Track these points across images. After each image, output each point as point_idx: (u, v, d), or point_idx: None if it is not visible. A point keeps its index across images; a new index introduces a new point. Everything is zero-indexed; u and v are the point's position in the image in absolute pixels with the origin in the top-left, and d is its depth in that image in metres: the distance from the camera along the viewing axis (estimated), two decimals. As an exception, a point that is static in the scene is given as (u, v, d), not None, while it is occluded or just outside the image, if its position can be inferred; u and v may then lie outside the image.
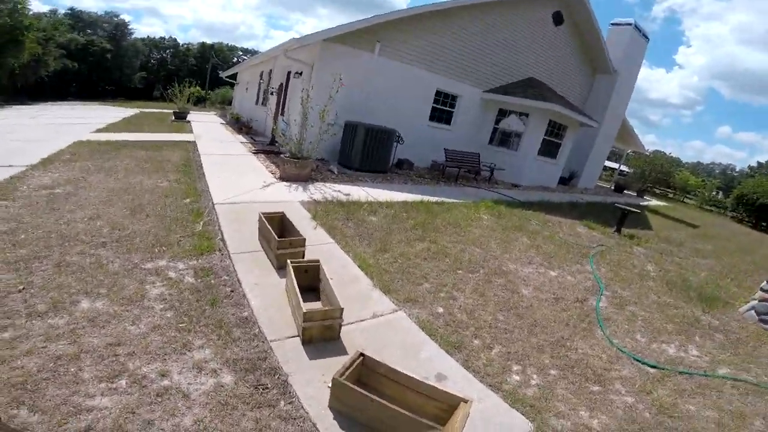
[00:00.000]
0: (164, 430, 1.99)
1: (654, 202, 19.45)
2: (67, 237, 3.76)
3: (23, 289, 2.88)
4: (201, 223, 4.54)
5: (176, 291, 3.19)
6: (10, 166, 5.84)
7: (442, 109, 11.66)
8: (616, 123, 16.32)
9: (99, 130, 11.06)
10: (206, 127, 14.01)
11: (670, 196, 27.53)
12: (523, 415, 2.63)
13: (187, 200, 5.27)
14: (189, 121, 15.18)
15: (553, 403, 2.84)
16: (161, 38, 60.98)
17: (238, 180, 6.50)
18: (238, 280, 3.46)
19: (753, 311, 5.04)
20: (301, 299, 2.80)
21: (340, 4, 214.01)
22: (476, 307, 3.92)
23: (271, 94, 12.48)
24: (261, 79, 15.31)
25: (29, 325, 2.53)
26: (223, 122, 17.01)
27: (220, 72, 25.98)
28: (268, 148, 10.06)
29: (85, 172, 6.00)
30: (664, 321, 4.53)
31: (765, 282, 5.14)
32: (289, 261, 3.29)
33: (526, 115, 11.89)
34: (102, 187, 5.38)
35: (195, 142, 10.03)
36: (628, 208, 8.86)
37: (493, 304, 4.06)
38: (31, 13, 26.88)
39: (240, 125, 14.55)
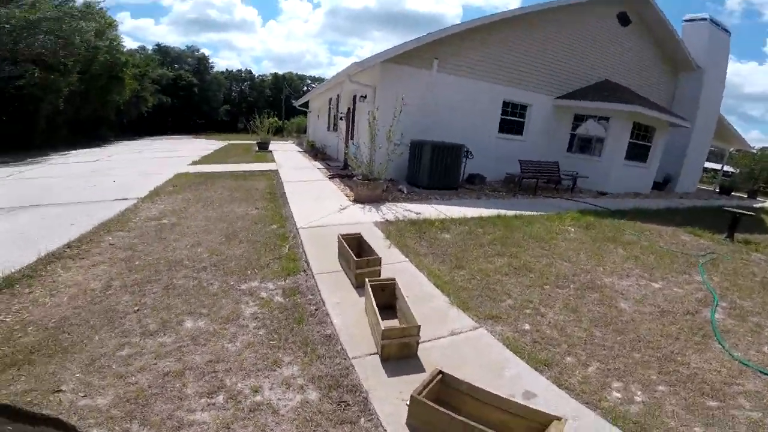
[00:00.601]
0: None
1: (773, 203, 16.45)
2: (174, 262, 4.22)
3: (138, 310, 3.25)
4: (287, 246, 4.82)
5: (267, 310, 3.37)
6: (125, 199, 6.88)
7: (512, 120, 11.29)
8: (711, 121, 14.82)
9: (194, 162, 12.59)
10: (286, 156, 15.12)
11: None
12: None
13: (274, 226, 5.66)
14: (271, 151, 16.57)
15: (661, 419, 2.50)
16: (238, 71, 63.46)
17: (318, 204, 6.84)
18: (322, 300, 3.56)
19: None
20: (379, 317, 2.78)
21: (392, 26, 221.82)
22: (568, 323, 3.57)
23: (341, 119, 13.09)
24: (330, 105, 16.15)
25: (143, 343, 2.83)
26: (300, 150, 18.26)
27: (293, 101, 27.67)
28: (342, 172, 10.48)
29: (186, 203, 6.79)
30: None
31: None
32: (366, 280, 3.31)
33: (606, 119, 11.15)
34: (201, 216, 6.02)
35: (277, 170, 10.86)
36: (740, 210, 7.67)
37: (588, 319, 3.66)
38: (125, 49, 28.26)
39: (315, 152, 15.48)
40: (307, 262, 4.37)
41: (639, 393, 2.74)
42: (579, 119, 11.79)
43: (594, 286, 4.40)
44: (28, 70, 15.59)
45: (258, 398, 2.36)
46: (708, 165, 21.96)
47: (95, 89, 22.84)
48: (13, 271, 3.77)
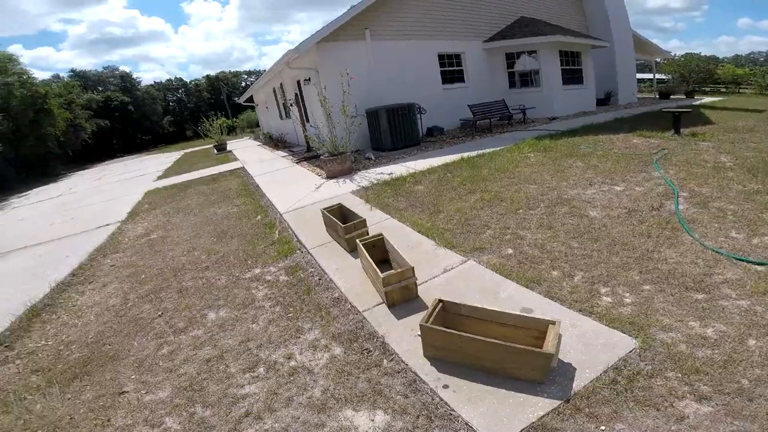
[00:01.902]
0: (302, 403, 2.29)
1: (707, 99, 17.42)
2: (177, 269, 4.36)
3: (161, 314, 3.44)
4: (276, 232, 4.97)
5: (276, 289, 3.60)
6: (106, 225, 6.80)
7: (452, 70, 11.64)
8: (626, 35, 15.61)
9: (159, 177, 12.26)
10: (247, 152, 14.80)
11: (723, 90, 25.09)
12: (624, 333, 2.48)
13: (258, 217, 5.76)
14: (230, 151, 16.16)
15: (654, 317, 2.62)
16: (168, 80, 61.16)
17: (293, 189, 6.94)
18: (322, 269, 3.79)
19: None
20: (377, 269, 3.02)
21: (315, 4, 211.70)
22: (546, 240, 3.80)
23: (291, 105, 12.88)
24: (275, 94, 15.88)
25: (177, 339, 3.04)
26: (259, 144, 17.82)
27: (235, 99, 26.53)
28: (307, 155, 10.46)
29: (167, 216, 6.75)
30: (758, 211, 3.99)
31: None
32: (358, 241, 3.55)
33: (535, 52, 11.73)
34: (185, 224, 6.04)
35: (243, 167, 10.73)
36: (679, 109, 8.26)
37: (563, 233, 3.90)
38: (39, 80, 26.31)
39: (275, 142, 15.17)
40: (299, 241, 4.56)
41: (627, 295, 2.89)
42: (511, 57, 12.30)
43: (562, 200, 4.70)
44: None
45: (292, 363, 2.61)
46: (642, 76, 23.15)
47: (25, 126, 21.52)
48: (34, 302, 3.94)
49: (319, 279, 3.66)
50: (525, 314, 2.43)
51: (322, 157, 7.71)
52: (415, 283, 3.06)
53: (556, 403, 2.06)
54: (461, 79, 11.84)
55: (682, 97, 18.59)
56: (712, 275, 3.01)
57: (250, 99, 23.19)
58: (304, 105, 11.58)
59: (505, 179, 5.68)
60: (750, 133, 8.05)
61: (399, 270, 2.96)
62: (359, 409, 2.22)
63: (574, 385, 2.14)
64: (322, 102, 7.53)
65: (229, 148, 17.03)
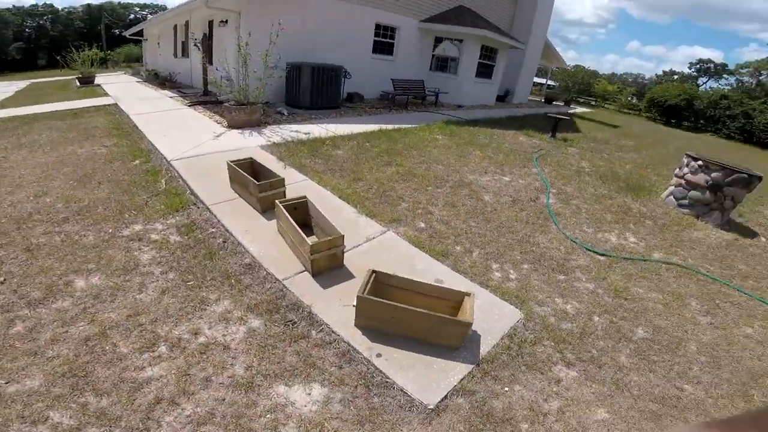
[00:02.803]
0: (224, 383, 1.99)
1: (580, 110, 20.72)
2: (21, 219, 3.32)
3: (4, 280, 2.56)
4: (162, 181, 4.18)
5: (167, 252, 3.02)
6: None
7: (384, 41, 11.41)
8: (540, 42, 17.02)
9: None
10: (123, 88, 12.25)
11: (593, 103, 29.68)
12: (512, 305, 2.89)
13: (136, 162, 4.77)
14: (98, 85, 13.12)
15: (532, 293, 3.10)
16: (33, 6, 52.31)
17: (185, 134, 5.93)
18: (227, 230, 3.32)
19: (672, 197, 5.64)
20: (303, 234, 2.78)
21: None
22: (450, 217, 4.13)
23: (195, 45, 11.21)
24: (176, 32, 13.89)
25: (35, 314, 2.32)
26: (139, 80, 14.89)
27: (117, 31, 22.39)
28: (204, 99, 9.13)
29: (3, 151, 5.13)
30: (603, 211, 4.98)
31: (677, 169, 5.71)
32: (277, 201, 3.20)
33: (460, 41, 12.10)
34: (31, 163, 4.67)
35: (116, 104, 8.79)
36: (559, 116, 9.53)
37: (464, 212, 4.28)
38: None
39: (161, 81, 12.89)
40: (194, 194, 3.92)
41: (512, 271, 3.36)
42: (439, 41, 12.55)
43: (463, 183, 5.09)
44: None
45: (202, 339, 2.24)
46: (537, 80, 26.04)
47: None
48: None
49: (224, 241, 3.21)
50: (446, 287, 2.58)
51: (226, 104, 6.78)
52: (343, 252, 2.93)
53: (470, 367, 2.27)
54: (390, 53, 11.72)
55: (562, 104, 21.56)
56: (569, 260, 3.70)
57: (140, 33, 19.81)
58: (211, 47, 10.21)
59: (418, 156, 5.84)
60: (605, 144, 9.87)
61: (329, 237, 2.77)
62: (292, 383, 2.06)
63: (481, 351, 2.40)
64: (241, 47, 6.65)
65: (98, 81, 13.77)
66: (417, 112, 10.04)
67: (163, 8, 46.96)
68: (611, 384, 2.36)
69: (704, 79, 43.24)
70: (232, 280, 2.76)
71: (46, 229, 3.19)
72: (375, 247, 3.35)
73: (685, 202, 5.43)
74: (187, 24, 12.27)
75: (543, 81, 28.02)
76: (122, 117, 7.36)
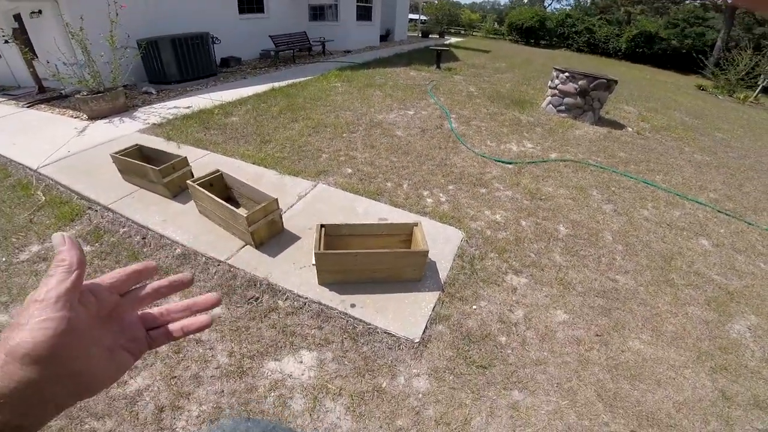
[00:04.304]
0: (215, 375, 1.89)
1: (453, 39, 21.57)
2: None
3: None
4: (39, 193, 3.44)
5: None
6: None
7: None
8: None
9: None
10: None
11: (462, 32, 31.13)
12: (452, 226, 3.05)
13: (-12, 180, 3.83)
14: None
15: (464, 210, 3.29)
16: None
17: (41, 137, 4.84)
18: (141, 226, 2.92)
19: (550, 105, 6.44)
20: (233, 208, 2.57)
21: None
22: (373, 157, 4.17)
23: (5, 42, 8.90)
24: None
25: None
26: (-65, 86, 11.46)
27: None
28: (44, 96, 7.46)
29: None
30: (499, 126, 5.49)
31: (550, 81, 6.46)
32: (189, 182, 2.87)
33: None
34: None
35: None
36: (439, 48, 9.89)
37: (384, 150, 4.36)
38: None
39: (-31, 81, 10.12)
40: (84, 198, 3.32)
41: (441, 195, 3.51)
42: None
43: (374, 123, 5.13)
44: None
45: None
46: (411, 16, 26.13)
47: None
48: None
49: (143, 238, 2.83)
50: (393, 222, 2.63)
51: (77, 96, 5.66)
52: (281, 216, 2.80)
53: (437, 294, 2.41)
54: (261, 10, 10.64)
55: (437, 36, 22.18)
56: (485, 174, 4.03)
57: None
58: (29, 40, 8.24)
59: (322, 107, 5.65)
60: (483, 69, 10.59)
61: (262, 204, 2.58)
62: (280, 357, 2.01)
63: (440, 276, 2.54)
64: (75, 34, 5.44)
65: None
66: (308, 65, 9.53)
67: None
68: (557, 284, 2.61)
69: (549, 1, 47.65)
70: (170, 274, 2.48)
71: None
72: (310, 202, 3.27)
73: (563, 108, 6.28)
74: (-19, 21, 9.70)
75: (416, 17, 28.39)
76: (-66, 133, 5.69)
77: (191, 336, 2.02)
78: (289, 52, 10.00)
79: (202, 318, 0.45)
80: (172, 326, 0.44)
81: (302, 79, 7.49)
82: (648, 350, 2.24)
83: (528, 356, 2.11)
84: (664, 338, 2.34)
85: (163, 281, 0.44)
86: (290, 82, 7.14)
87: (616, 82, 6.05)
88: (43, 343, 0.31)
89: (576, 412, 1.86)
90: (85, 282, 0.37)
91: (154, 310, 0.44)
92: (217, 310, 2.25)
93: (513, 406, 1.86)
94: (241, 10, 9.98)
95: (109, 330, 0.39)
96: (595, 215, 3.52)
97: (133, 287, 0.43)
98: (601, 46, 23.91)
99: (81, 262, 0.35)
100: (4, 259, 2.66)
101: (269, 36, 9.85)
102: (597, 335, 2.29)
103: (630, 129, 6.30)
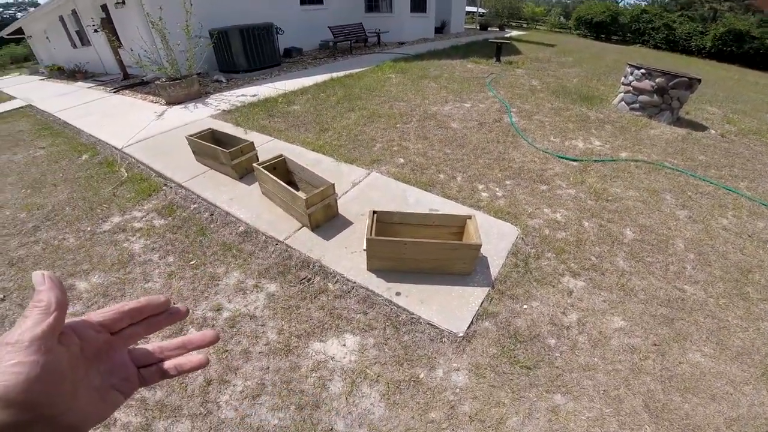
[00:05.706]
0: (263, 351, 1.99)
1: (515, 33, 20.59)
2: (-13, 236, 2.98)
3: (4, 297, 2.37)
4: (122, 169, 3.87)
5: (157, 237, 2.86)
6: None
7: None
8: None
9: None
10: (29, 88, 10.75)
11: (524, 26, 29.67)
12: (508, 222, 2.93)
13: (84, 157, 4.34)
14: (-5, 89, 11.41)
15: (521, 207, 3.14)
16: None
17: (125, 120, 5.41)
18: (210, 203, 3.18)
19: (623, 102, 5.87)
20: (294, 191, 2.69)
21: None
22: (426, 148, 4.14)
23: (95, 31, 9.94)
24: (64, 23, 12.32)
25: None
26: (42, 78, 13.10)
27: None
28: (127, 83, 8.25)
29: None
30: (565, 121, 5.12)
31: (623, 77, 5.89)
32: (255, 165, 3.07)
33: None
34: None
35: (30, 105, 7.77)
36: (500, 41, 9.48)
37: (437, 142, 4.30)
38: None
39: (69, 74, 11.43)
40: (161, 176, 3.68)
41: (498, 190, 3.38)
42: None
43: (428, 115, 5.07)
44: None
45: (226, 314, 2.20)
46: (468, 8, 25.42)
47: None
48: None
49: (211, 215, 3.08)
50: (446, 213, 2.57)
51: (156, 82, 6.20)
52: (336, 200, 2.89)
53: (486, 290, 2.34)
54: (320, 1, 11.02)
55: (497, 29, 21.38)
56: (546, 170, 3.78)
57: (18, 31, 17.20)
58: (115, 30, 9.12)
59: (377, 98, 5.71)
60: (548, 63, 10.03)
61: (320, 189, 2.69)
62: (326, 338, 2.08)
63: (491, 272, 2.46)
64: (155, 24, 5.95)
65: (-6, 87, 11.92)
66: (363, 56, 9.65)
67: (34, 4, 40.45)
68: (618, 290, 2.44)
69: (622, -4, 43.83)
70: (234, 251, 2.68)
71: (21, 241, 2.92)
72: (363, 190, 3.34)
73: (636, 105, 5.74)
74: (74, 12, 10.88)
75: (474, 9, 27.57)
76: (45, 116, 6.55)
77: (245, 311, 2.18)
78: (347, 43, 10.18)
79: (196, 358, 0.42)
80: (167, 364, 0.41)
81: (358, 69, 7.60)
82: (708, 363, 2.05)
83: (576, 361, 2.01)
84: (728, 353, 2.13)
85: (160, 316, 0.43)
86: (347, 72, 7.29)
87: (699, 81, 5.43)
88: (15, 387, 0.28)
89: (618, 420, 1.76)
90: (68, 320, 0.34)
91: (148, 346, 0.42)
92: (271, 287, 2.38)
93: (553, 410, 1.78)
94: (302, 1, 10.32)
95: (96, 370, 0.36)
96: (667, 221, 3.22)
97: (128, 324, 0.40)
98: (682, 44, 21.65)
99: (61, 304, 0.32)
100: (89, 229, 3.02)
101: (328, 27, 10.12)
102: (654, 344, 2.14)
103: (713, 131, 5.66)
